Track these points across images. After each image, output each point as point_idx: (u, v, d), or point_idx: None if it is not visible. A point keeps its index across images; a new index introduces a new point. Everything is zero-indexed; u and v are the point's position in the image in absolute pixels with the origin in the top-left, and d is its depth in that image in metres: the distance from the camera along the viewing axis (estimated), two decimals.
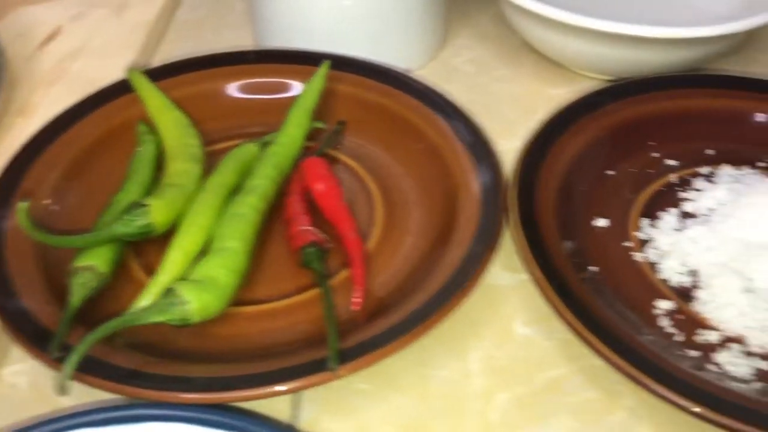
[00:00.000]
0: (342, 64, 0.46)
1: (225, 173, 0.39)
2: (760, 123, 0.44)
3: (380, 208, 0.40)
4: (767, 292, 0.35)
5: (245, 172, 0.40)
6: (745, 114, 0.44)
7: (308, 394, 0.33)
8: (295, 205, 0.38)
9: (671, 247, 0.37)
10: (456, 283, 0.33)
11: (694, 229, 0.38)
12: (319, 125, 0.45)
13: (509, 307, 0.37)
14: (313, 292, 0.36)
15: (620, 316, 0.34)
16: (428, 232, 0.39)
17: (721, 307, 0.34)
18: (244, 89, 0.46)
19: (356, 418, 0.33)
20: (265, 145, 0.42)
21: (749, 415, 0.28)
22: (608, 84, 0.46)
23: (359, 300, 0.34)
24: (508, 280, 0.38)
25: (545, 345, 0.35)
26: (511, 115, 0.49)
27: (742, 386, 0.31)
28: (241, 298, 0.35)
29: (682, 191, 0.41)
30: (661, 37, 0.43)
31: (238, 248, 0.35)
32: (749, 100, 0.44)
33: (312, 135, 0.44)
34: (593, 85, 0.46)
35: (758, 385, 0.31)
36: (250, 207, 0.37)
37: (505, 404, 0.33)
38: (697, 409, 0.29)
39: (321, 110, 0.45)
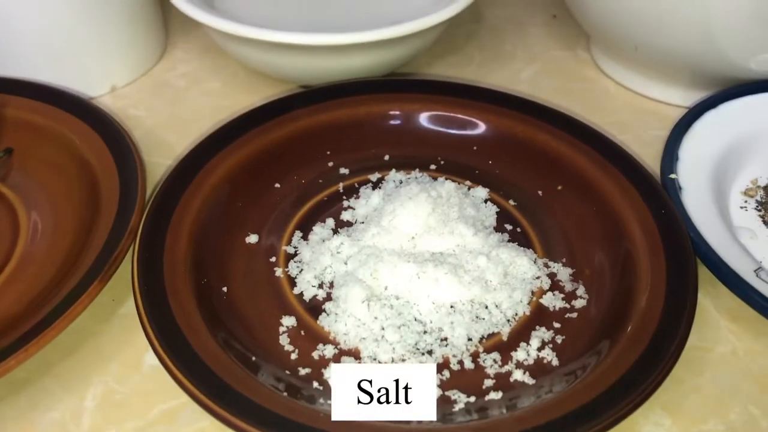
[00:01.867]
0: (10, 87, 0.44)
1: None
2: (429, 129, 0.43)
3: (23, 240, 0.38)
4: (385, 301, 0.34)
5: None
6: (418, 118, 0.44)
7: None
8: None
9: (311, 259, 0.37)
10: (48, 321, 0.31)
11: (336, 240, 0.37)
12: None
13: (144, 338, 0.35)
14: None
15: (245, 337, 0.33)
16: (67, 261, 0.36)
17: (342, 319, 0.34)
18: None
19: None
20: None
21: None
22: (285, 94, 0.45)
23: None
24: None
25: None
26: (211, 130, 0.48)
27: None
28: None
29: (347, 200, 0.40)
30: (317, 44, 0.42)
31: None
32: (422, 103, 0.44)
33: None
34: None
35: None
36: None
37: None
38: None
39: None
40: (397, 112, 0.44)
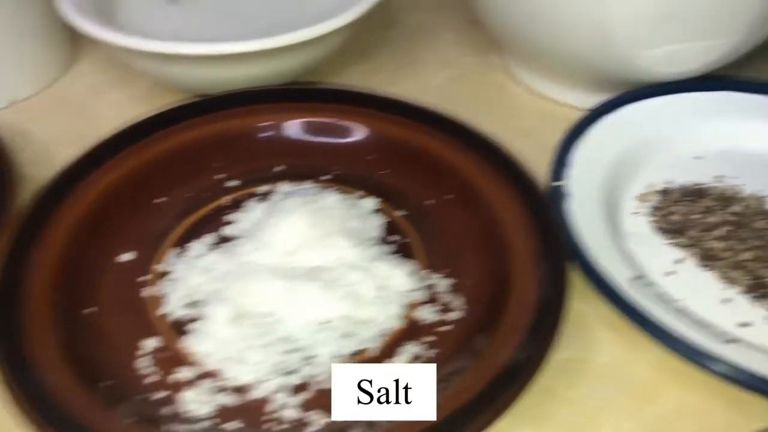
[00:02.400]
0: None
1: None
2: (321, 138, 0.43)
3: None
4: (254, 319, 0.33)
5: None
6: (310, 127, 0.43)
7: None
8: None
9: (183, 277, 0.35)
10: None
11: (210, 256, 0.36)
12: None
13: None
14: None
15: (103, 361, 0.32)
16: None
17: (206, 340, 0.33)
18: None
19: None
20: None
21: None
22: (173, 105, 0.43)
23: None
24: None
25: None
26: None
27: (184, 428, 0.29)
28: None
29: (230, 214, 0.39)
30: (202, 54, 0.41)
31: None
32: (314, 112, 0.43)
33: None
34: None
35: (210, 423, 0.30)
36: None
37: None
38: None
39: None
40: (289, 122, 0.43)
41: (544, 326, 0.31)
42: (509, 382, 0.29)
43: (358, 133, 0.42)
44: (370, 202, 0.40)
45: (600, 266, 0.34)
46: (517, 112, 0.49)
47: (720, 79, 0.45)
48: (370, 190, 0.41)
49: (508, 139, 0.44)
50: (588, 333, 0.35)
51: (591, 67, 0.44)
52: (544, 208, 0.36)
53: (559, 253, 0.34)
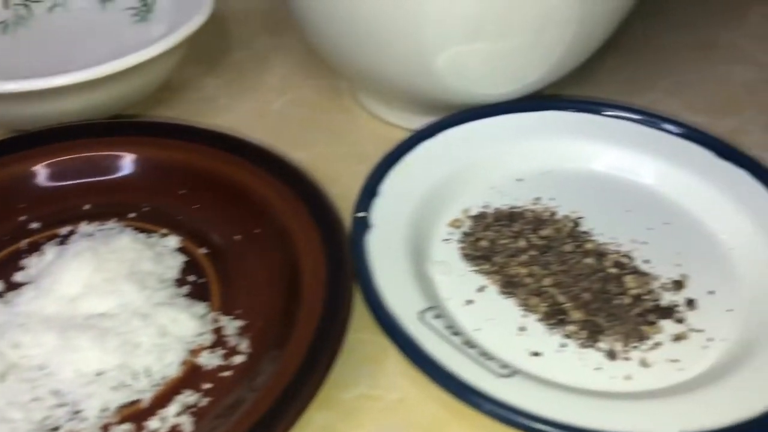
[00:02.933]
0: None
1: None
2: (130, 173, 0.41)
3: None
4: (24, 374, 0.32)
5: None
6: (116, 162, 0.41)
7: None
8: None
9: None
10: None
11: None
12: None
13: None
14: None
15: None
16: None
17: None
18: None
19: None
20: None
21: None
22: None
23: None
24: None
25: None
26: None
27: None
28: None
29: (25, 258, 0.38)
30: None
31: None
32: (120, 146, 0.42)
33: None
34: None
35: None
36: None
37: None
38: None
39: None
40: (93, 157, 0.41)
41: (314, 364, 0.30)
42: (274, 422, 0.28)
43: (168, 167, 0.41)
44: (173, 241, 0.38)
45: (386, 300, 0.33)
46: (356, 136, 0.49)
47: (545, 99, 0.45)
48: (176, 227, 0.39)
49: (345, 164, 0.44)
50: (381, 369, 0.34)
51: (416, 91, 0.44)
52: (338, 241, 0.35)
53: (344, 288, 0.33)
